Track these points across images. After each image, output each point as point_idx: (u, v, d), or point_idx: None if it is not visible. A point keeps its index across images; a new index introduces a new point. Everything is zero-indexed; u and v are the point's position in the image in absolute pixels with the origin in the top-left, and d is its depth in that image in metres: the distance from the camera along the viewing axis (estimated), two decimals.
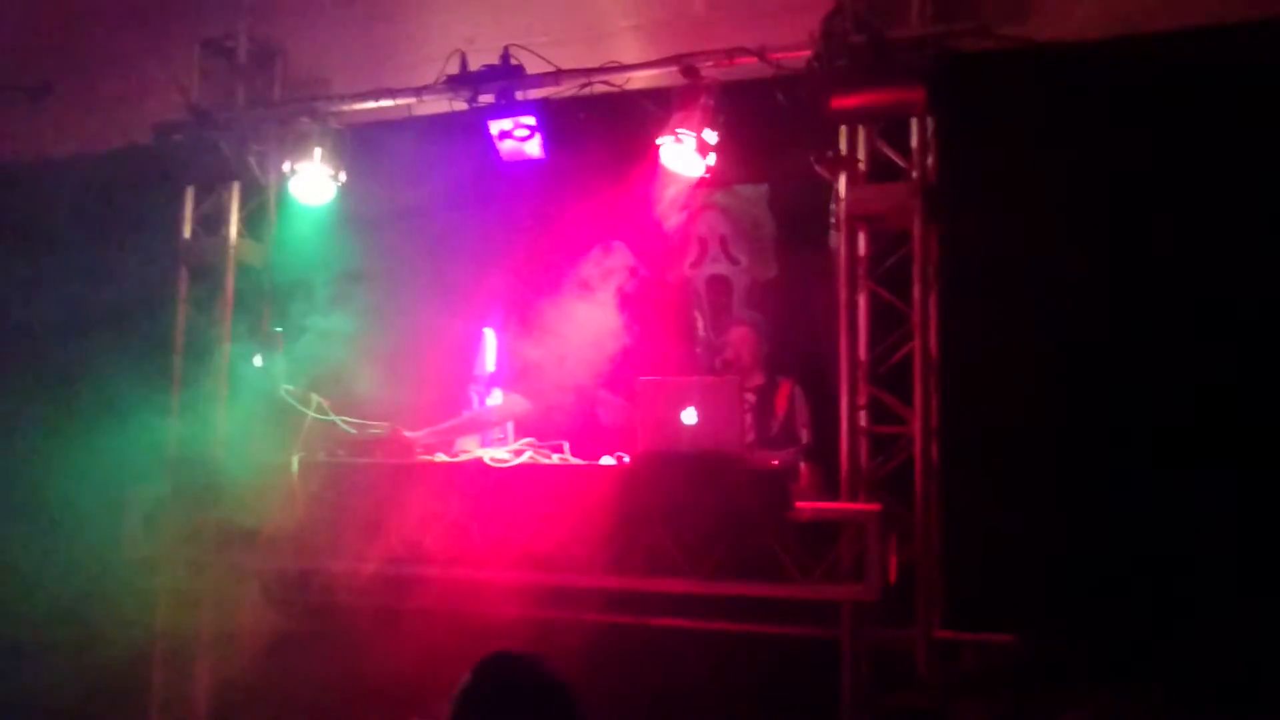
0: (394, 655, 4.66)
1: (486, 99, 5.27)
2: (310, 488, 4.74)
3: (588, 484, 4.37)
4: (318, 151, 5.61)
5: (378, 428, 4.85)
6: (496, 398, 5.44)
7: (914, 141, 4.77)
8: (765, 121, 4.94)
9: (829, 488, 4.73)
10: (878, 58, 4.58)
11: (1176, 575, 4.31)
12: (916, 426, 4.60)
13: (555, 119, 5.21)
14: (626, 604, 4.48)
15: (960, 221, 4.76)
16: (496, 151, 5.24)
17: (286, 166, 5.70)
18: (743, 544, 4.26)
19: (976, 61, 4.74)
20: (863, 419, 4.71)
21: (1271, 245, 4.37)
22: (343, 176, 5.68)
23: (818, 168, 4.83)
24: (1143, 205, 4.55)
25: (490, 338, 5.65)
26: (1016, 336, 4.65)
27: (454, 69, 5.31)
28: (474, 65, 5.29)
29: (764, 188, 5.78)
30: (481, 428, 5.28)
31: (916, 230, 4.68)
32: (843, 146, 4.83)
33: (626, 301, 5.10)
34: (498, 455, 4.58)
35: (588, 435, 4.98)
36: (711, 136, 4.94)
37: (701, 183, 5.28)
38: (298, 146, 5.68)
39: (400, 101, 5.59)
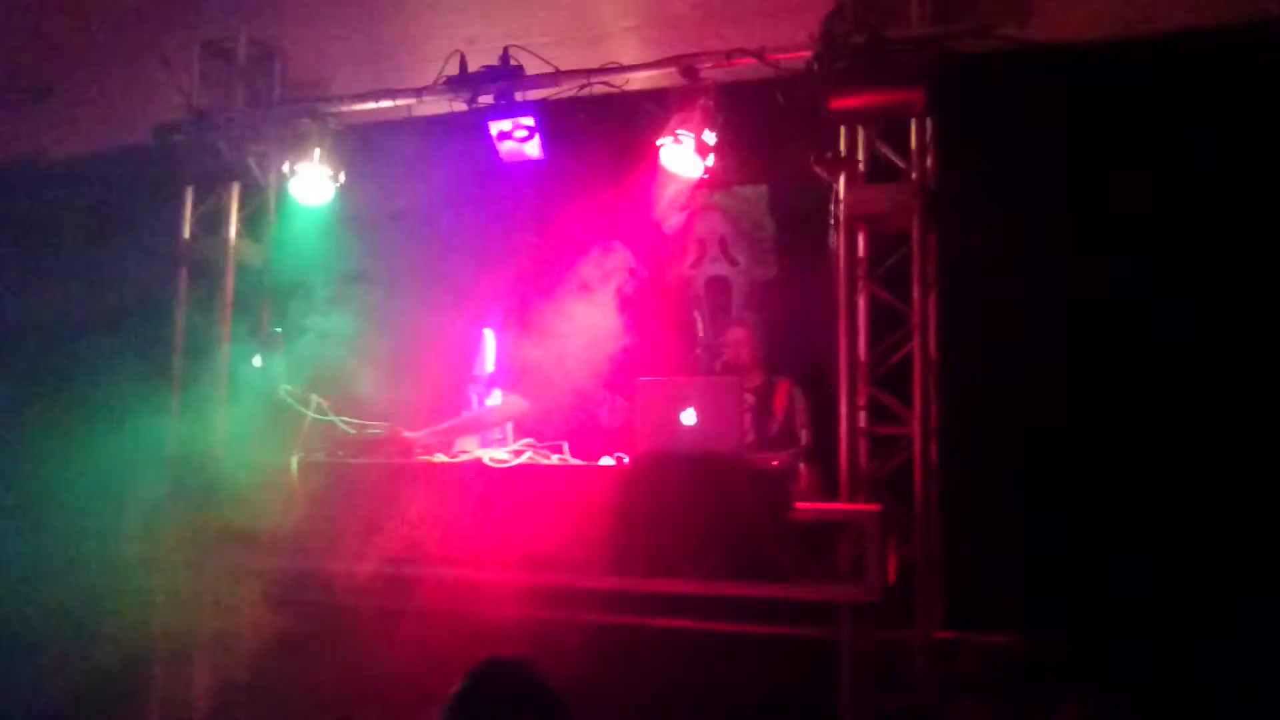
0: (393, 655, 4.66)
1: (486, 100, 5.27)
2: (309, 488, 4.74)
3: (587, 484, 4.37)
4: (317, 152, 5.62)
5: (377, 428, 4.85)
6: (496, 398, 5.44)
7: (913, 142, 4.77)
8: (765, 122, 4.94)
9: (828, 488, 4.73)
10: (877, 59, 4.58)
11: (1176, 575, 4.31)
12: (916, 427, 4.60)
13: (555, 120, 5.21)
14: (626, 604, 4.47)
15: (960, 222, 4.76)
16: (496, 152, 5.24)
17: (286, 167, 5.71)
18: (742, 544, 4.26)
19: (976, 63, 4.74)
20: (862, 419, 4.71)
21: (1271, 245, 4.37)
22: (342, 177, 5.68)
23: (817, 168, 4.83)
24: (1142, 206, 4.55)
25: (490, 338, 5.65)
26: (1016, 337, 4.65)
27: (453, 70, 5.31)
28: (474, 66, 5.29)
29: (763, 189, 5.78)
30: (481, 428, 5.28)
31: (916, 231, 4.68)
32: (842, 147, 4.83)
33: (626, 302, 5.10)
34: (497, 456, 4.59)
35: (587, 436, 4.98)
36: (711, 137, 4.94)
37: (701, 183, 5.29)
38: (297, 147, 5.68)
39: (400, 102, 5.59)
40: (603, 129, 5.36)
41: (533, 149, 5.19)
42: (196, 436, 5.67)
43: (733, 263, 5.83)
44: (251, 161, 6.00)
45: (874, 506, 4.38)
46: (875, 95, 4.62)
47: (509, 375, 5.41)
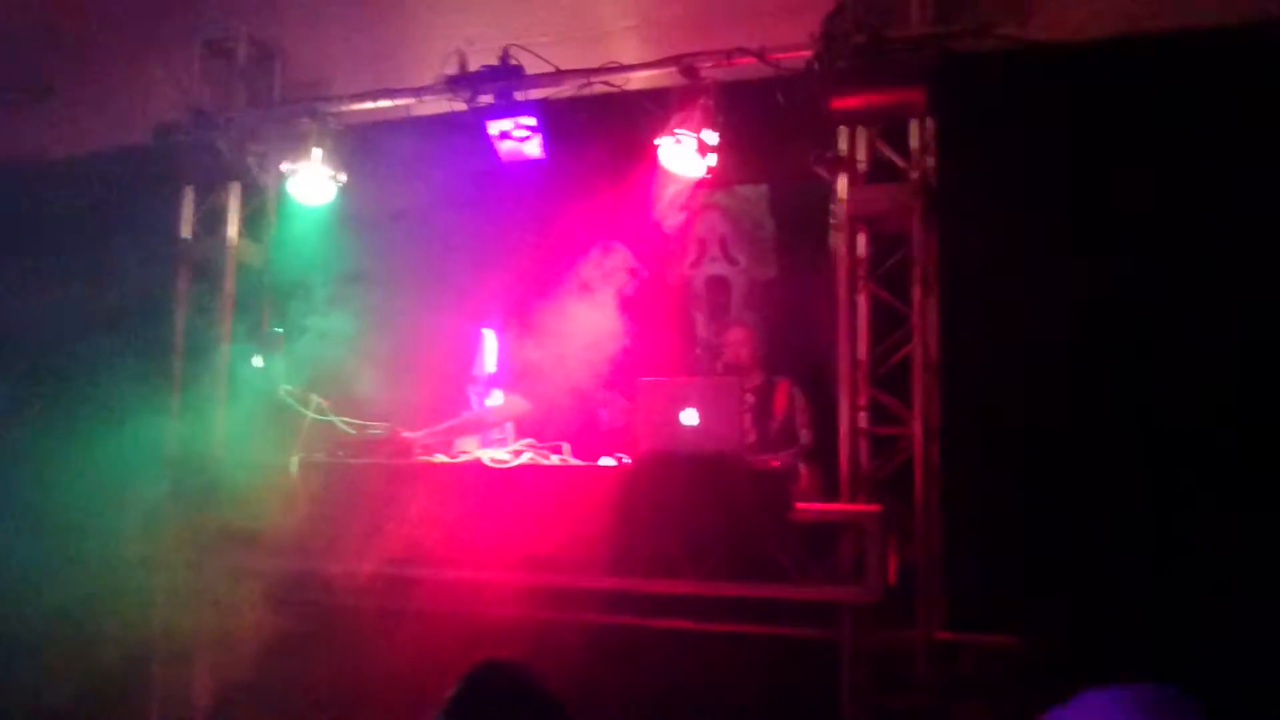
0: (393, 656, 4.66)
1: (486, 99, 5.27)
2: (310, 488, 4.75)
3: (587, 485, 4.37)
4: (317, 152, 5.61)
5: (377, 428, 4.85)
6: (496, 398, 5.44)
7: (914, 142, 4.76)
8: (765, 122, 4.94)
9: (829, 488, 4.73)
10: (878, 58, 4.58)
11: (1176, 575, 4.30)
12: (916, 427, 4.60)
13: (555, 119, 5.21)
14: (626, 605, 4.47)
15: (960, 222, 4.76)
16: (496, 152, 5.24)
17: (286, 167, 5.70)
18: (743, 545, 4.26)
19: (976, 62, 4.73)
20: (863, 420, 4.71)
21: (1272, 245, 4.36)
22: (342, 177, 5.68)
23: (817, 168, 4.83)
24: (1143, 205, 4.55)
25: (490, 338, 5.64)
26: (1016, 337, 4.65)
27: (453, 69, 5.31)
28: (473, 66, 5.30)
29: (764, 188, 5.78)
30: (481, 428, 5.28)
31: (916, 231, 4.67)
32: (842, 147, 4.83)
33: (626, 302, 5.10)
34: (497, 456, 4.58)
35: (588, 436, 4.98)
36: (711, 137, 4.94)
37: (701, 183, 5.28)
38: (297, 147, 5.68)
39: (400, 102, 5.60)
40: (603, 129, 5.36)
41: (533, 149, 5.19)
42: (196, 437, 5.67)
43: (733, 262, 5.82)
44: (251, 161, 6.01)
45: (874, 507, 4.38)
46: (876, 95, 4.62)
47: (509, 375, 5.41)
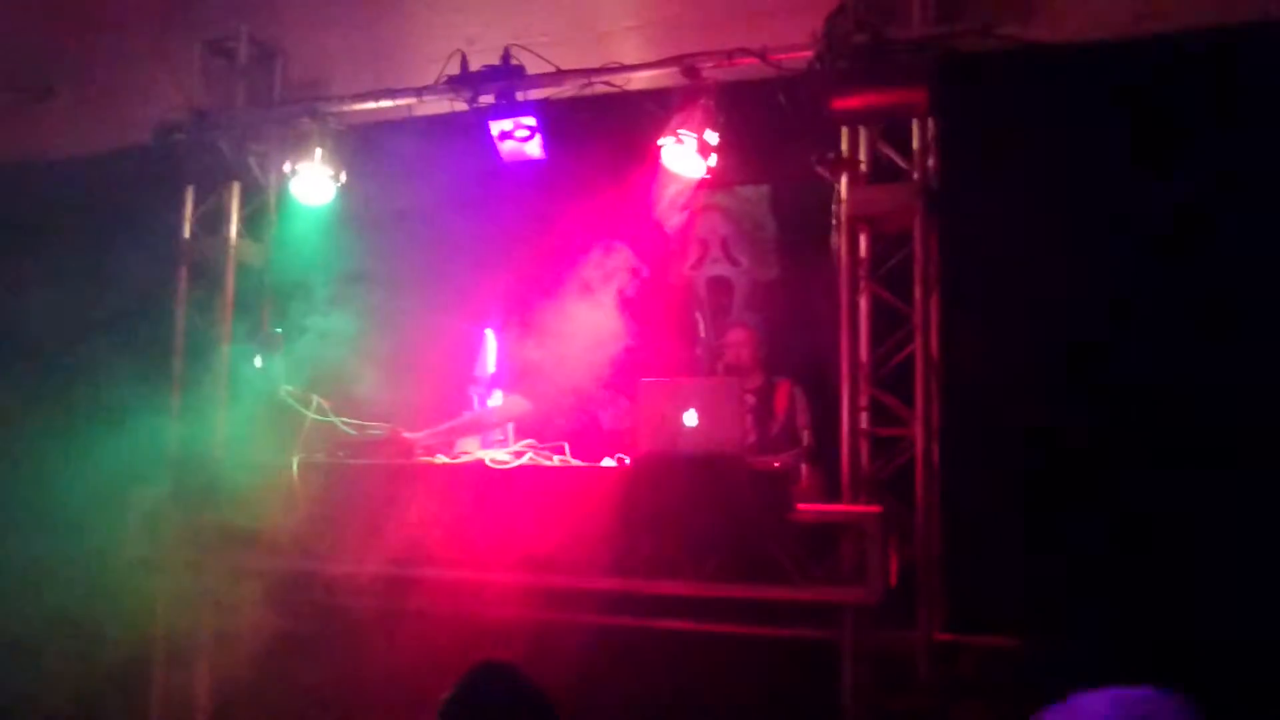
0: (394, 656, 4.66)
1: (487, 99, 5.26)
2: (310, 489, 4.74)
3: (588, 486, 4.36)
4: (318, 152, 5.61)
5: (378, 429, 4.84)
6: (497, 399, 5.43)
7: (915, 142, 4.76)
8: (766, 122, 4.93)
9: (830, 489, 4.73)
10: (879, 58, 4.57)
11: (1177, 576, 4.30)
12: (918, 428, 4.60)
13: (556, 119, 5.21)
14: (627, 606, 4.46)
15: (962, 223, 4.75)
16: (497, 152, 5.23)
17: (287, 167, 5.70)
18: (743, 546, 4.25)
19: (978, 62, 4.73)
20: (864, 420, 4.71)
21: (1272, 245, 4.36)
22: (343, 177, 5.68)
23: (819, 169, 4.83)
24: (1144, 206, 4.54)
25: (491, 339, 5.64)
26: (1018, 338, 4.65)
27: (454, 69, 5.31)
28: (474, 65, 5.29)
29: (765, 189, 5.77)
30: (482, 429, 5.27)
31: (918, 231, 4.67)
32: (844, 147, 4.82)
33: (627, 303, 5.10)
34: (498, 457, 4.58)
35: (588, 437, 4.98)
36: (712, 137, 4.93)
37: (702, 183, 5.28)
38: (298, 147, 5.68)
39: (401, 102, 5.59)
40: (604, 129, 5.35)
41: (534, 149, 5.19)
42: (197, 437, 5.67)
43: (734, 263, 5.82)
44: (252, 161, 6.01)
45: (875, 508, 4.36)
46: (877, 95, 4.61)
47: (510, 376, 5.41)
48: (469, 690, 2.06)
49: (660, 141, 4.99)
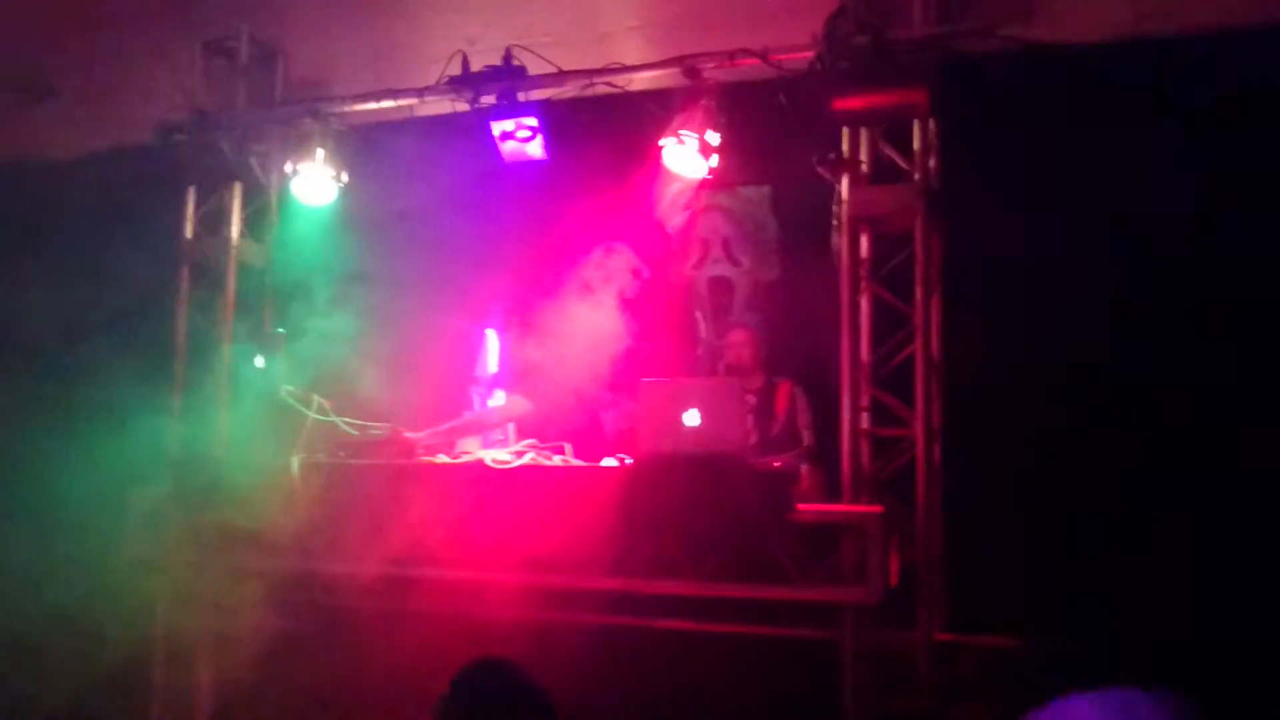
0: (395, 656, 4.65)
1: (488, 100, 5.27)
2: (311, 489, 4.74)
3: (589, 486, 4.37)
4: (319, 152, 5.62)
5: (379, 429, 4.85)
6: (498, 399, 5.44)
7: (916, 143, 4.76)
8: (767, 123, 4.93)
9: (830, 490, 4.73)
10: (880, 59, 4.57)
11: (1177, 576, 4.30)
12: (919, 428, 4.60)
13: (557, 120, 5.21)
14: (628, 606, 4.47)
15: (963, 223, 4.76)
16: (498, 152, 5.24)
17: (288, 167, 5.71)
18: (744, 546, 4.25)
19: (979, 63, 4.73)
20: (865, 421, 4.71)
21: (1272, 245, 4.36)
22: (344, 177, 5.69)
23: (820, 169, 4.83)
24: (1145, 206, 4.55)
25: (492, 339, 5.64)
26: (1018, 338, 4.65)
27: (456, 70, 5.31)
28: (476, 66, 5.29)
29: (766, 189, 5.77)
30: (483, 429, 5.27)
31: (919, 232, 4.67)
32: (845, 148, 4.83)
33: (628, 303, 5.10)
34: (499, 457, 4.58)
35: (590, 437, 4.98)
36: (714, 138, 4.94)
37: (704, 184, 5.29)
38: (299, 147, 5.68)
39: (402, 102, 5.60)
40: (605, 129, 5.36)
41: (535, 149, 5.19)
42: (198, 437, 5.67)
43: (735, 263, 5.82)
44: (253, 161, 6.01)
45: (876, 508, 4.37)
46: (878, 96, 4.61)
47: (511, 376, 5.41)
48: (466, 686, 2.06)
49: (661, 142, 4.99)
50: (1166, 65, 4.56)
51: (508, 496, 4.46)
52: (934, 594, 4.52)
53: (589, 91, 5.26)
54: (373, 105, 5.69)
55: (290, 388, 4.91)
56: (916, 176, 4.75)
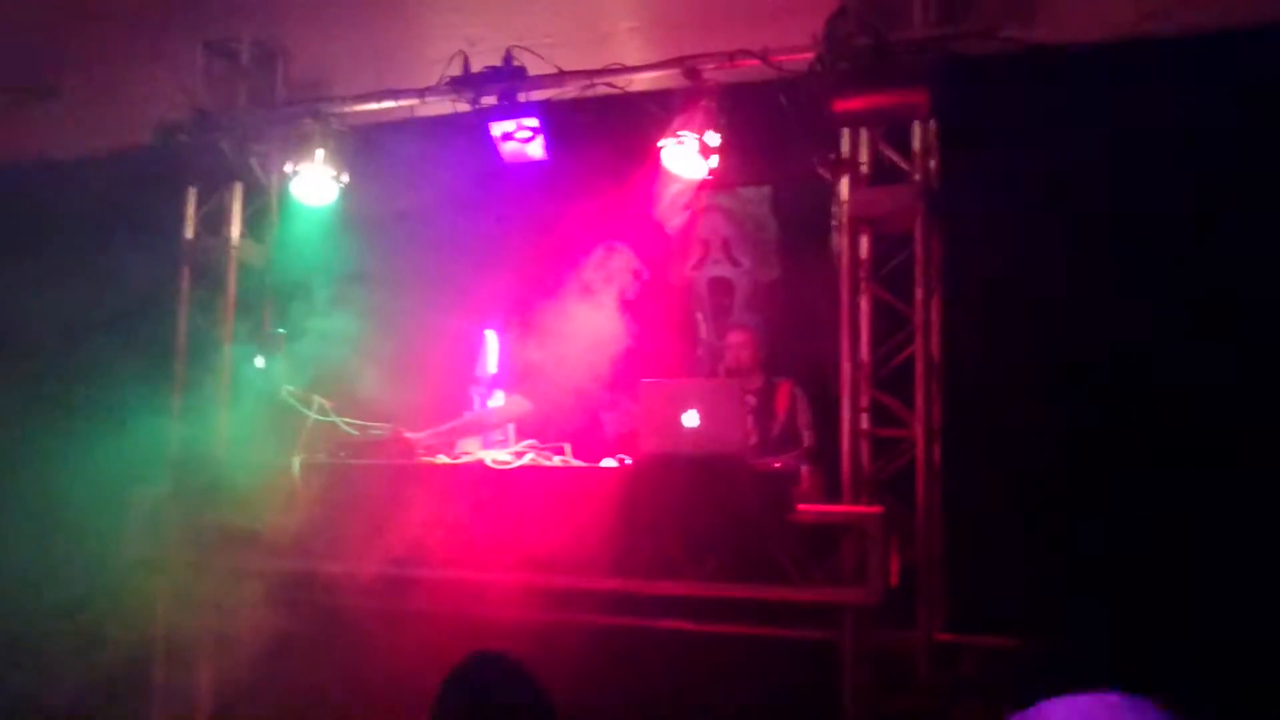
0: (395, 657, 4.65)
1: (489, 100, 5.27)
2: (312, 489, 4.74)
3: (589, 486, 4.37)
4: (320, 152, 5.62)
5: (379, 429, 4.85)
6: (498, 399, 5.44)
7: (916, 144, 4.77)
8: (767, 124, 4.93)
9: (831, 490, 4.73)
10: (880, 60, 4.57)
11: (1177, 576, 4.30)
12: (919, 429, 4.60)
13: (557, 120, 5.21)
14: (628, 606, 4.47)
15: (962, 224, 4.76)
16: (499, 153, 5.24)
17: (289, 167, 5.71)
18: (744, 546, 4.25)
19: (979, 64, 4.73)
20: (864, 421, 4.71)
21: (1272, 245, 4.37)
22: (345, 178, 5.69)
23: (820, 170, 4.84)
24: (1145, 207, 4.55)
25: (492, 339, 5.64)
26: (1018, 338, 4.65)
27: (456, 70, 5.32)
28: (476, 67, 5.30)
29: (766, 190, 5.78)
30: (483, 429, 5.27)
31: (919, 233, 4.68)
32: (845, 149, 4.83)
33: (628, 303, 5.11)
34: (499, 457, 4.58)
35: (590, 437, 4.98)
36: (714, 138, 4.94)
37: (704, 184, 5.29)
38: (300, 147, 5.69)
39: (402, 103, 5.60)
40: (605, 130, 5.36)
41: (535, 150, 5.19)
42: (198, 437, 5.67)
43: (735, 264, 5.83)
44: (254, 162, 6.02)
45: (876, 509, 4.37)
46: (878, 97, 4.62)
47: (511, 376, 5.41)
48: (463, 680, 2.06)
49: (661, 143, 5.00)
50: (1167, 66, 4.56)
51: (508, 497, 4.46)
52: (934, 594, 4.52)
53: (589, 92, 5.26)
54: (373, 106, 5.69)
55: (290, 388, 4.91)
56: (916, 177, 4.75)
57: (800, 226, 5.51)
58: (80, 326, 6.09)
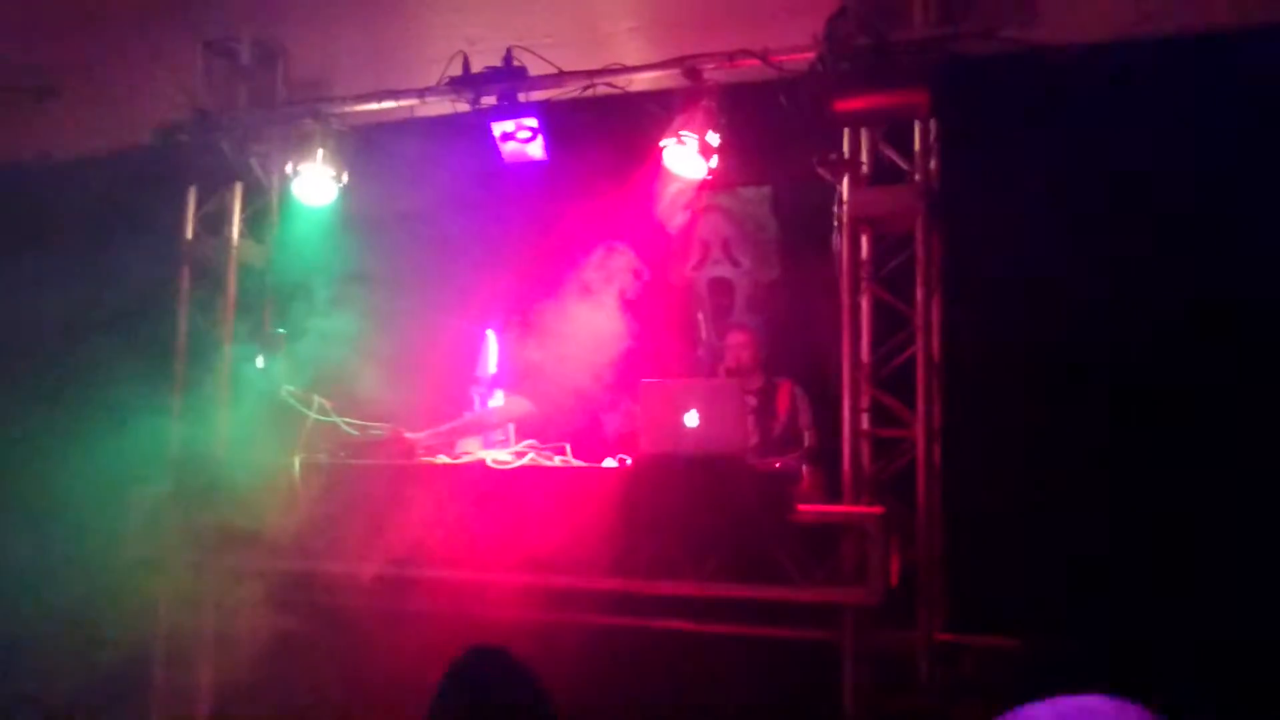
0: (395, 657, 4.65)
1: (489, 100, 5.27)
2: (312, 489, 4.74)
3: (590, 486, 4.37)
4: (320, 152, 5.62)
5: (379, 429, 4.85)
6: (498, 399, 5.44)
7: (917, 144, 4.77)
8: (768, 124, 4.94)
9: (831, 490, 4.73)
10: (881, 60, 4.57)
11: (1177, 576, 4.30)
12: (919, 429, 4.60)
13: (558, 120, 5.21)
14: (628, 606, 4.47)
15: (963, 224, 4.76)
16: (499, 153, 5.24)
17: (289, 167, 5.71)
18: (745, 546, 4.25)
19: (980, 64, 4.73)
20: (865, 422, 4.71)
21: (1272, 245, 4.37)
22: (345, 178, 5.69)
23: (820, 170, 4.83)
24: (1144, 207, 4.55)
25: (492, 339, 5.65)
26: (1019, 339, 4.65)
27: (456, 70, 5.31)
28: (476, 67, 5.30)
29: (767, 190, 5.78)
30: (483, 429, 5.28)
31: (919, 233, 4.68)
32: (845, 149, 4.83)
33: (628, 304, 5.11)
34: (500, 457, 4.58)
35: (590, 437, 4.98)
36: (714, 138, 4.94)
37: (704, 185, 5.29)
38: (300, 147, 5.69)
39: (403, 103, 5.60)
40: (606, 130, 5.36)
41: (536, 150, 5.19)
42: (198, 437, 5.66)
43: (736, 264, 5.83)
44: (254, 162, 6.01)
45: (876, 509, 4.37)
46: (879, 97, 4.62)
47: (511, 376, 5.41)
48: (462, 676, 2.06)
49: (662, 143, 5.00)
50: (1167, 66, 4.56)
51: (508, 497, 4.46)
52: (934, 594, 4.52)
53: (589, 92, 5.26)
54: (373, 106, 5.69)
55: (290, 388, 4.91)
56: (917, 177, 4.76)
57: (800, 226, 5.51)
58: (80, 326, 6.09)
